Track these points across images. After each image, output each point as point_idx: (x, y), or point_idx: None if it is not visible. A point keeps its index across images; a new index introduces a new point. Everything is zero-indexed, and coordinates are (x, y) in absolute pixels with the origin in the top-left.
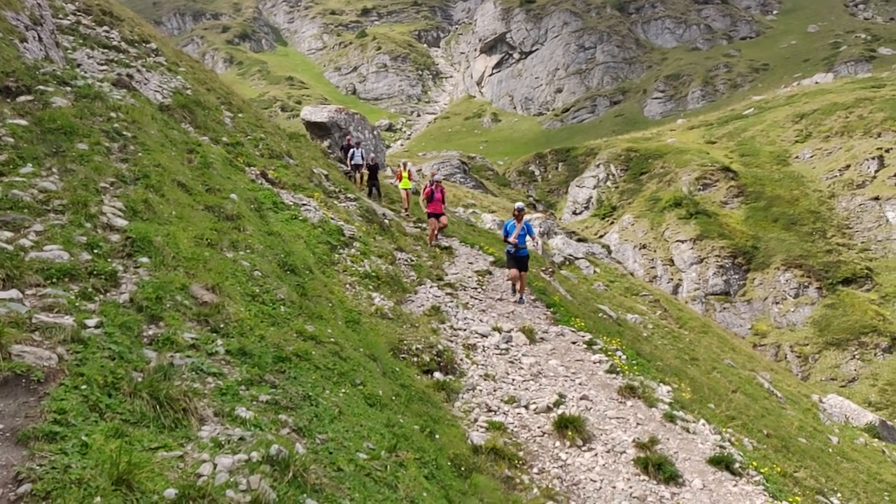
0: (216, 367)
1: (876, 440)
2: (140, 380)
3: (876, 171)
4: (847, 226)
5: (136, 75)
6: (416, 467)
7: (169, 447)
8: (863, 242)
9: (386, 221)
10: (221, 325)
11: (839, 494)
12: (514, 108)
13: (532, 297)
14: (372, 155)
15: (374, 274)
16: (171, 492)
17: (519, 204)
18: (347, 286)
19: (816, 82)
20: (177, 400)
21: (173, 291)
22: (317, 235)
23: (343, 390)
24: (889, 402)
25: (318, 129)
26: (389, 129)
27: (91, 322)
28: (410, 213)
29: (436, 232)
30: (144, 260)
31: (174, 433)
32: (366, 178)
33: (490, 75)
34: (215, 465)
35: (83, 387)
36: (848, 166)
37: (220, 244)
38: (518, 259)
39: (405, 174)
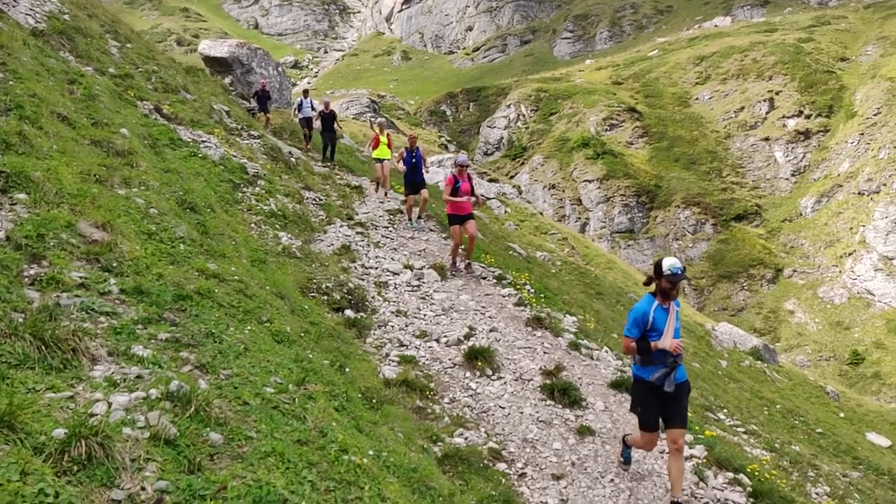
0: (109, 307)
1: (759, 362)
2: (21, 321)
3: (767, 113)
4: (740, 165)
5: None
6: (325, 399)
7: (57, 388)
8: (753, 181)
9: (292, 160)
10: (114, 264)
11: (725, 410)
12: (425, 45)
13: (444, 236)
14: (326, 100)
15: (280, 213)
16: (59, 431)
17: (672, 264)
18: (252, 225)
19: (716, 25)
20: (65, 340)
21: (57, 229)
22: (218, 173)
23: (249, 327)
24: (771, 328)
25: (219, 65)
26: (295, 66)
27: None
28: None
29: (459, 249)
30: (21, 196)
31: (63, 374)
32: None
33: (399, 11)
34: (110, 404)
35: None
36: (742, 108)
37: (111, 181)
38: (677, 402)
39: (383, 139)
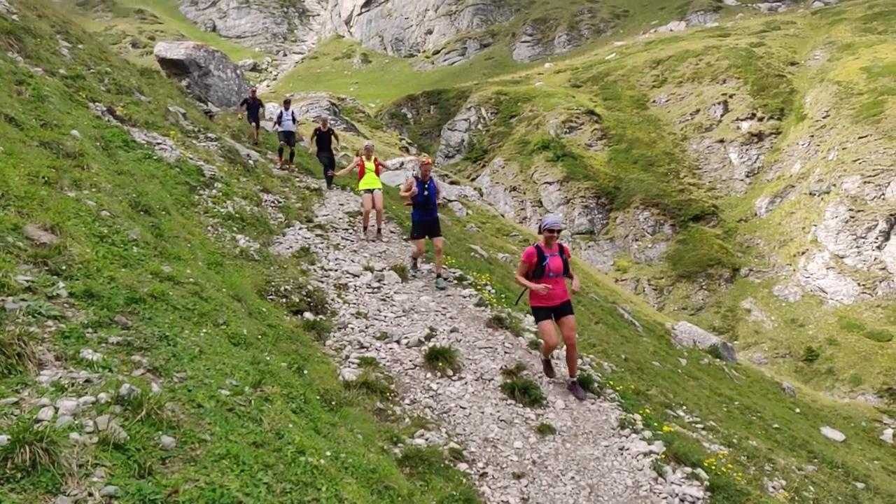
0: (57, 311)
1: (718, 360)
2: None
3: (721, 116)
4: (697, 166)
5: None
6: (282, 401)
7: (1, 394)
8: (710, 182)
9: (250, 162)
10: (63, 267)
11: (684, 407)
12: (385, 49)
13: (405, 238)
14: (324, 116)
15: (237, 215)
16: (2, 438)
17: None
18: (209, 228)
19: (671, 30)
20: (9, 345)
21: (3, 232)
22: (174, 176)
23: (204, 330)
24: (729, 327)
25: (175, 67)
26: (254, 68)
27: None
28: (381, 233)
29: (553, 353)
30: None
31: (7, 380)
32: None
33: (359, 14)
34: (57, 409)
35: None
36: (698, 111)
37: (60, 183)
38: None
39: (370, 165)
